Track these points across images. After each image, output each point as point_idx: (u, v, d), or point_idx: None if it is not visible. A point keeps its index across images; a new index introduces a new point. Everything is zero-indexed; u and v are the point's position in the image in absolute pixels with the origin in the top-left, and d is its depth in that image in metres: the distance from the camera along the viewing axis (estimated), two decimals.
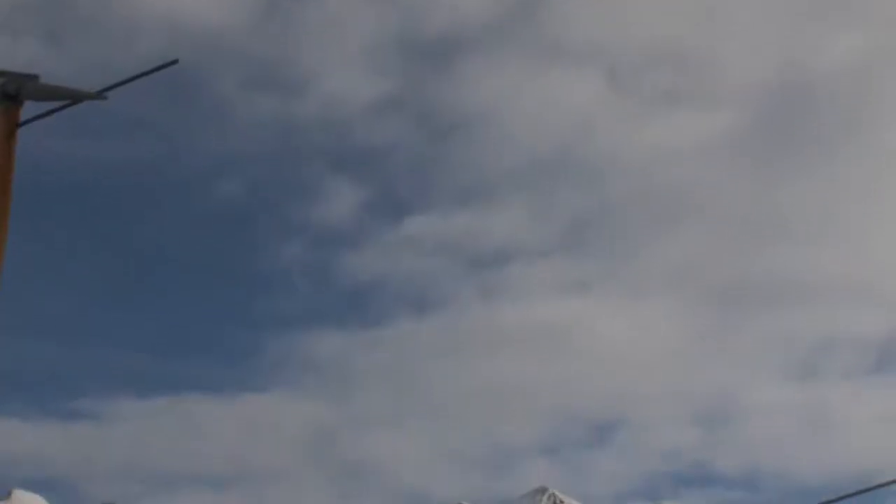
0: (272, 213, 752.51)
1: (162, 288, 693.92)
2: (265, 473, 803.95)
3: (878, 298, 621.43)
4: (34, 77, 9.47)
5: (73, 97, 9.53)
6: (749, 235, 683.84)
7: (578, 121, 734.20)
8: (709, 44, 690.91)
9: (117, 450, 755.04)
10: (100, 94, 9.70)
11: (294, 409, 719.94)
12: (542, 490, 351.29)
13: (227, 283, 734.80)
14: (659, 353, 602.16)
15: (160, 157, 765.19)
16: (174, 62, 9.71)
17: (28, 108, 8.97)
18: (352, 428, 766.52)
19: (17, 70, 9.18)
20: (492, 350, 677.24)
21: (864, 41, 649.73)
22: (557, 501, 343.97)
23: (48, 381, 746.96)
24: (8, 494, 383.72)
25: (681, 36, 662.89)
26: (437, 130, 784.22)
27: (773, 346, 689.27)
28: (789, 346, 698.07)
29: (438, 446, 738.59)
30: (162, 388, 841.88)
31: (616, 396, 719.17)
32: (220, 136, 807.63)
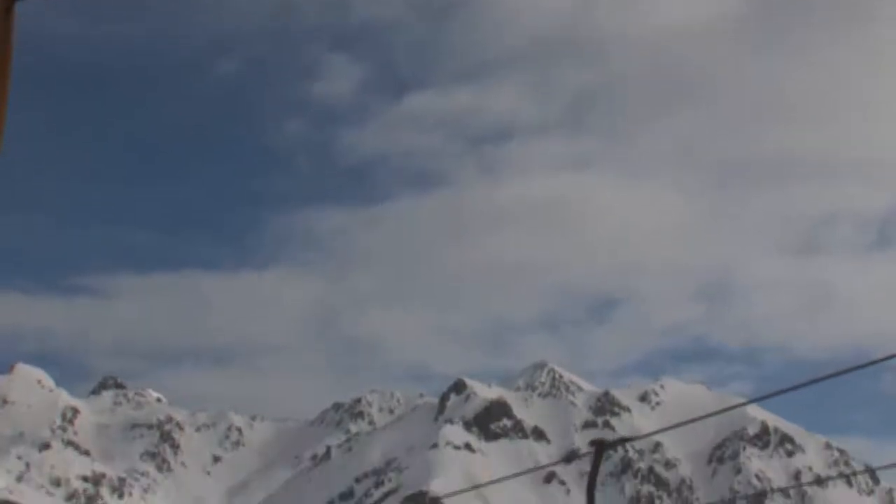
0: (271, 91, 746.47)
1: (163, 165, 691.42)
2: (265, 349, 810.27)
3: (879, 175, 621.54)
4: None
5: None
6: (752, 115, 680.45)
7: None
8: None
9: (118, 325, 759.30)
10: None
11: (294, 286, 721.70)
12: (542, 365, 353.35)
13: (228, 160, 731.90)
14: (659, 229, 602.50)
15: (159, 36, 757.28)
16: None
17: None
18: (352, 305, 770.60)
19: None
20: (492, 227, 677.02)
21: None
22: (557, 377, 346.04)
23: (50, 257, 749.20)
24: (10, 368, 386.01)
25: None
26: (437, 8, 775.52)
27: (774, 223, 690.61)
28: (790, 222, 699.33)
29: (438, 323, 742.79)
30: (163, 264, 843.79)
31: (616, 273, 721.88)
32: (217, 14, 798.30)
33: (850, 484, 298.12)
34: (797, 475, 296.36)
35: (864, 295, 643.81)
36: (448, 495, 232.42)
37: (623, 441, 10.11)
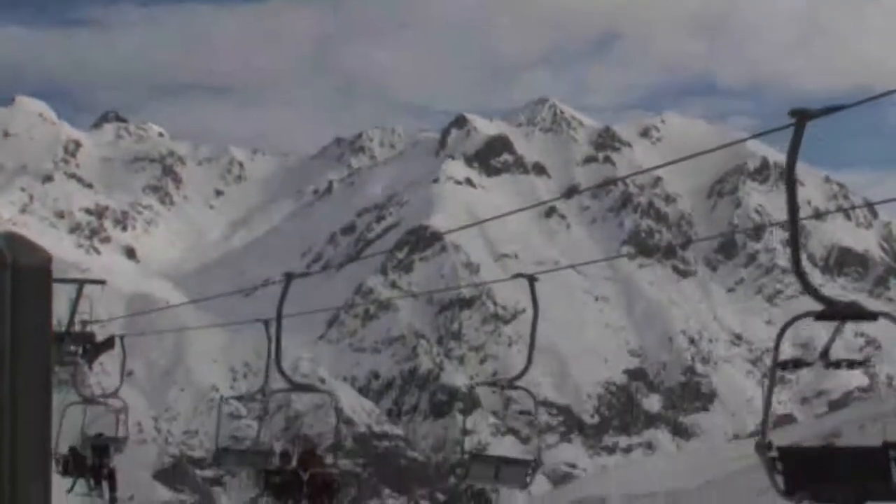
0: None
1: None
2: (267, 83, 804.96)
3: None
4: None
5: None
6: None
7: None
8: None
9: (120, 58, 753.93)
10: None
11: (293, 18, 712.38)
12: (543, 101, 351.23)
13: None
14: None
15: None
16: None
17: None
18: (351, 38, 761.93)
19: None
20: None
21: None
22: (558, 112, 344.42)
23: None
24: (11, 100, 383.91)
25: None
26: None
27: None
28: None
29: (438, 59, 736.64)
30: None
31: (614, 5, 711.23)
32: None
33: (848, 218, 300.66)
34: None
35: (868, 28, 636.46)
36: (449, 231, 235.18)
37: (829, 111, 8.52)
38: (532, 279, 17.83)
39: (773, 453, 10.58)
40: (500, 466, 19.64)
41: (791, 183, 9.94)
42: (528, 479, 19.19)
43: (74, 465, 27.60)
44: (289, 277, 17.85)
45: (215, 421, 33.96)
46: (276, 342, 18.36)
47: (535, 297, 18.04)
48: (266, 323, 25.53)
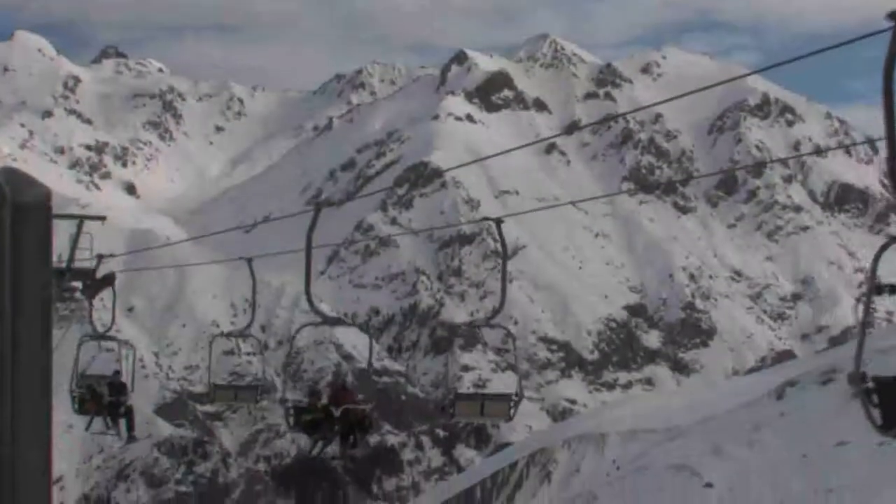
0: None
1: None
2: (267, 18, 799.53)
3: None
4: None
5: None
6: None
7: None
8: None
9: None
10: None
11: None
12: (544, 37, 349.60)
13: None
14: None
15: None
16: None
17: None
18: None
19: None
20: None
21: None
22: (559, 48, 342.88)
23: None
24: (10, 35, 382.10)
25: None
26: None
27: None
28: None
29: None
30: None
31: None
32: None
33: (849, 154, 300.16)
34: (797, 145, 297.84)
35: None
36: (450, 169, 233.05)
37: None
38: (499, 221, 17.97)
39: (869, 384, 10.12)
40: (485, 402, 20.28)
41: (889, 92, 9.25)
42: (511, 413, 19.85)
43: (91, 402, 27.40)
44: (318, 206, 17.77)
45: (213, 358, 34.18)
46: (306, 271, 17.93)
47: (504, 240, 18.24)
48: (249, 261, 25.50)
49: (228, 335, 31.56)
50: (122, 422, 27.69)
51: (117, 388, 27.49)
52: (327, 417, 21.03)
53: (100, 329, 27.46)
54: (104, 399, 27.27)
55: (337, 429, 21.00)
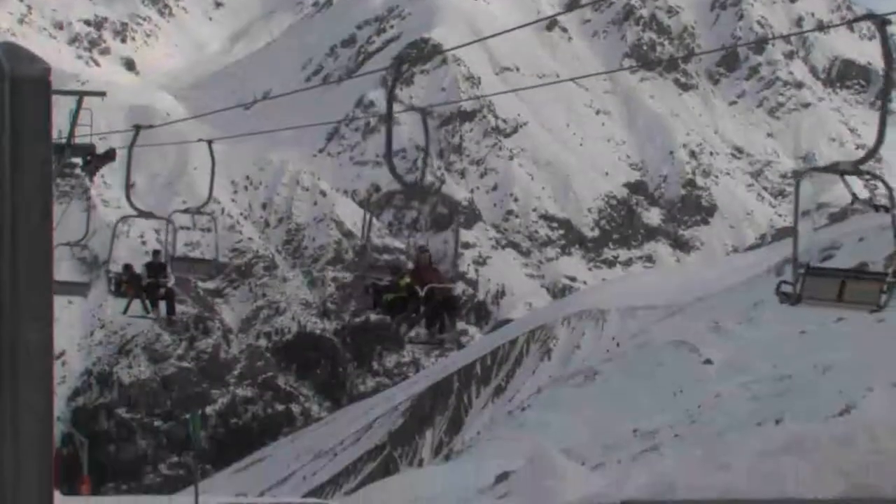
0: None
1: None
2: None
3: None
4: None
5: None
6: None
7: None
8: None
9: None
10: None
11: None
12: None
13: None
14: None
15: None
16: None
17: None
18: None
19: None
20: None
21: None
22: None
23: None
24: None
25: None
26: None
27: None
28: None
29: None
30: None
31: None
32: None
33: (851, 30, 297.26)
34: (799, 21, 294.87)
35: None
36: (452, 49, 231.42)
37: None
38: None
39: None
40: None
41: None
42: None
43: (129, 285, 26.41)
44: (400, 62, 16.83)
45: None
46: (387, 136, 16.83)
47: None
48: (210, 143, 25.13)
49: (185, 211, 31.21)
50: (162, 304, 26.45)
51: (156, 269, 26.42)
52: (411, 297, 18.88)
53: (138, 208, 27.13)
54: (143, 281, 26.26)
55: (423, 310, 18.85)
